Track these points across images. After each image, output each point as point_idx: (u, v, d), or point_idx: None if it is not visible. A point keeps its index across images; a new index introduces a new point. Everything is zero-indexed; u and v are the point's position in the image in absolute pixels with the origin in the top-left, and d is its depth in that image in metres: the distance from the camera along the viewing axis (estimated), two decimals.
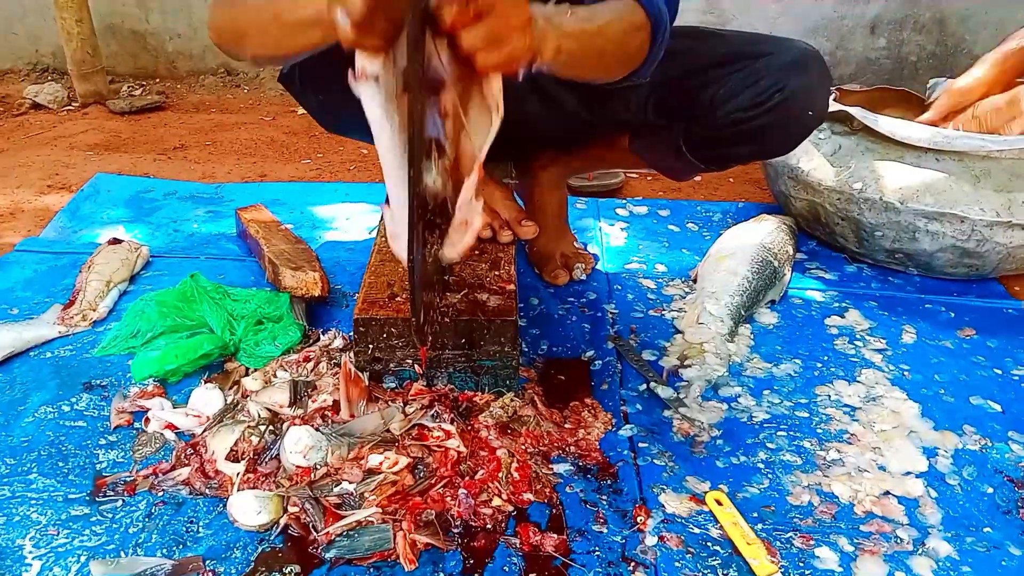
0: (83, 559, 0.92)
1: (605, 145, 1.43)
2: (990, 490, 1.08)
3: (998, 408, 1.24)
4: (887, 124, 1.57)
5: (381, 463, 1.02)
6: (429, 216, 0.87)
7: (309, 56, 1.33)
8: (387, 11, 0.77)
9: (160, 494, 1.02)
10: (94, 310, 1.37)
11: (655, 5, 1.03)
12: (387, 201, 0.90)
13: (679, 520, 1.01)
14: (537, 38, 0.84)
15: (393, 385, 1.17)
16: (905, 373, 1.32)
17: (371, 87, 0.83)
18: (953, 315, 1.51)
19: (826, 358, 1.36)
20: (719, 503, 1.02)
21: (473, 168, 0.89)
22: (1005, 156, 1.51)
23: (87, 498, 1.01)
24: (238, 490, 1.01)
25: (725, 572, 0.94)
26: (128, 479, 1.04)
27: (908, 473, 1.10)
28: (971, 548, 0.98)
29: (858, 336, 1.42)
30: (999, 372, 1.34)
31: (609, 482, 1.07)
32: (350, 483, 1.00)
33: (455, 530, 0.97)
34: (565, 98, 1.33)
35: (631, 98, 1.27)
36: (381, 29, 0.78)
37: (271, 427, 1.09)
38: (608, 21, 0.98)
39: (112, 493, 1.02)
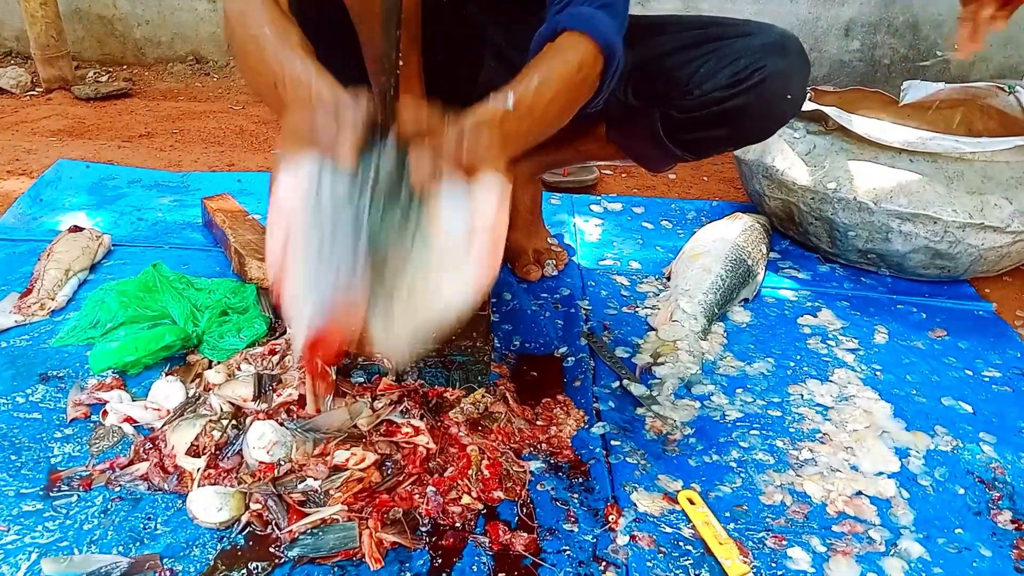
0: (34, 556, 0.88)
1: (580, 135, 1.42)
2: (961, 491, 1.08)
3: (969, 409, 1.25)
4: (861, 124, 1.57)
5: (347, 459, 0.99)
6: None
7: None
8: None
9: (117, 489, 0.98)
10: (52, 299, 1.32)
11: (606, 36, 0.97)
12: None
13: (651, 519, 0.99)
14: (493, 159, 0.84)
15: (361, 380, 1.14)
16: (877, 373, 1.32)
17: None
18: (924, 316, 1.52)
19: (799, 357, 1.35)
20: (691, 502, 1.01)
21: None
22: (978, 158, 1.52)
23: (40, 493, 0.97)
24: (198, 486, 0.98)
25: (697, 572, 0.93)
26: (84, 474, 1.00)
27: (880, 473, 1.10)
28: (942, 549, 0.98)
29: (830, 336, 1.42)
30: (970, 373, 1.34)
31: (581, 480, 1.05)
32: (315, 480, 0.97)
33: (423, 528, 0.95)
34: None
35: None
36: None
37: (234, 422, 1.06)
38: (556, 92, 0.94)
39: (67, 488, 0.98)
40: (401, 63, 0.78)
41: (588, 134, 1.41)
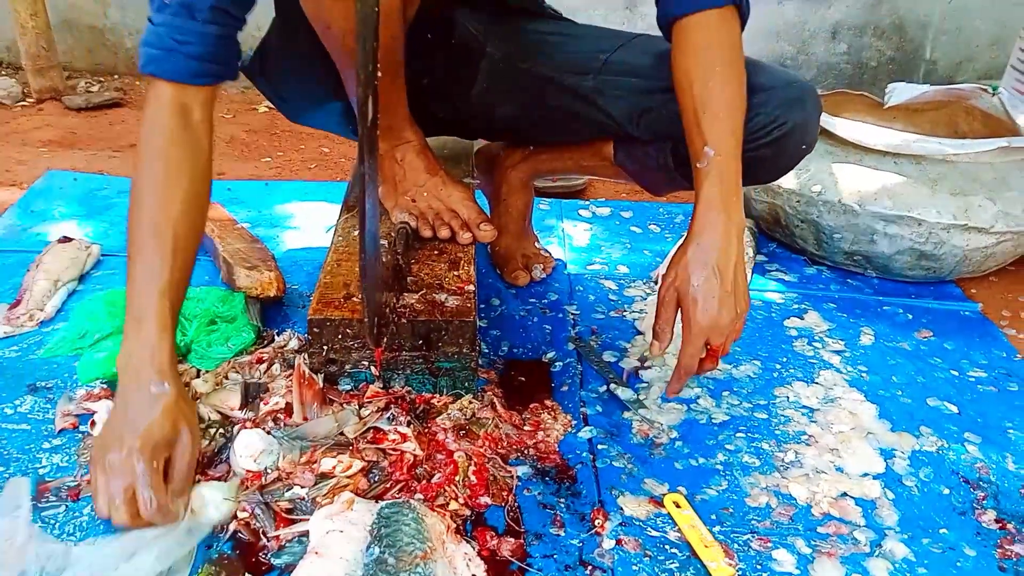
0: None
1: (584, 151, 1.41)
2: (946, 491, 1.09)
3: (954, 409, 1.25)
4: (846, 128, 1.58)
5: (334, 467, 1.00)
6: None
7: (271, 47, 1.32)
8: None
9: None
10: (41, 310, 1.33)
11: None
12: None
13: (637, 523, 1.00)
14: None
15: (348, 387, 1.14)
16: (863, 375, 1.33)
17: None
18: (911, 317, 1.53)
19: (785, 359, 1.36)
20: (677, 505, 1.02)
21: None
22: (962, 160, 1.53)
23: (29, 503, 0.97)
24: None
25: (682, 575, 0.93)
26: (72, 484, 1.00)
27: (865, 474, 1.10)
28: (927, 549, 0.99)
29: (817, 338, 1.43)
30: (955, 374, 1.35)
31: (567, 485, 1.05)
32: (302, 488, 0.97)
33: None
34: (548, 105, 1.32)
35: (618, 109, 1.25)
36: None
37: (221, 430, 1.06)
38: (735, 84, 1.06)
39: (55, 498, 0.98)
40: (380, 75, 0.78)
41: (593, 151, 1.39)
